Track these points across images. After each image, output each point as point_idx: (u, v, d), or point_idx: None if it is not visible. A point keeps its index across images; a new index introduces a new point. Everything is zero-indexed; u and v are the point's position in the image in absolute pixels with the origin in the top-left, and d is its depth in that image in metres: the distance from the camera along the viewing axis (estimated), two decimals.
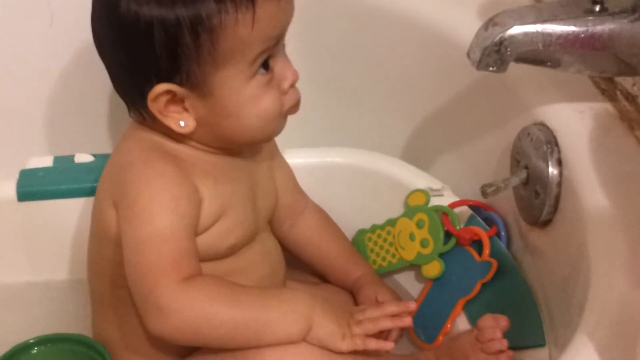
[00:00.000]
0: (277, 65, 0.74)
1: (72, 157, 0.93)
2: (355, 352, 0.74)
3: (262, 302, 0.73)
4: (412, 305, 0.78)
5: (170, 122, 0.73)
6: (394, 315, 0.76)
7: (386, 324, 0.76)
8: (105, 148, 0.94)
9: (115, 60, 0.74)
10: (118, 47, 0.72)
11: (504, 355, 0.77)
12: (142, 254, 0.71)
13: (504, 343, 0.77)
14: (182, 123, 0.73)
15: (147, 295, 0.70)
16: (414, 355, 0.84)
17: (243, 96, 0.73)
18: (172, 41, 0.69)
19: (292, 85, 0.76)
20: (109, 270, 0.78)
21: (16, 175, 0.92)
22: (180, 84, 0.71)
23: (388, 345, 0.74)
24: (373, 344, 0.73)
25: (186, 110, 0.73)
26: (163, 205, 0.72)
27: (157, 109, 0.72)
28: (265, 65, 0.73)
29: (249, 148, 0.81)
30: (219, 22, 0.69)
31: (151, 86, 0.71)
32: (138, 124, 0.78)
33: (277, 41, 0.73)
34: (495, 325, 0.77)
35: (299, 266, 0.93)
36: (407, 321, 0.77)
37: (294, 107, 0.77)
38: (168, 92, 0.72)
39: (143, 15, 0.69)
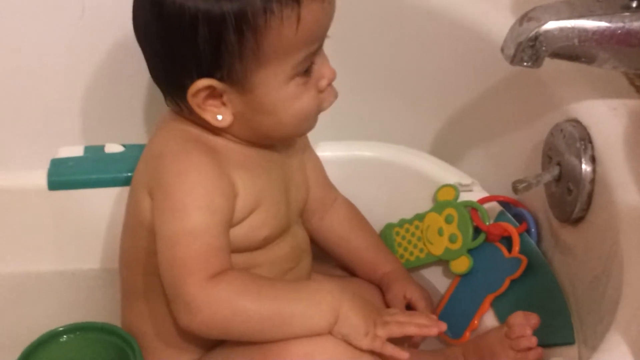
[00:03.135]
0: (315, 63, 0.74)
1: (103, 147, 0.94)
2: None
3: (288, 295, 0.73)
4: (443, 326, 0.77)
5: (207, 116, 0.73)
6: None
7: (412, 330, 0.75)
8: (136, 139, 0.94)
9: (155, 52, 0.74)
10: (160, 39, 0.72)
11: (533, 353, 0.77)
12: (173, 249, 0.71)
13: (534, 340, 0.77)
14: (219, 117, 0.74)
15: (177, 290, 0.71)
16: (440, 351, 0.84)
17: (282, 95, 0.73)
18: (216, 37, 0.69)
19: (330, 84, 0.76)
20: (142, 258, 0.78)
21: (47, 165, 0.92)
22: (220, 79, 0.71)
23: (403, 355, 0.73)
24: (389, 350, 0.73)
25: (224, 104, 0.73)
26: (197, 201, 0.72)
27: (196, 103, 0.73)
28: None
29: (282, 142, 0.81)
30: (264, 21, 0.69)
31: (191, 80, 0.71)
32: (174, 115, 0.78)
33: (320, 44, 0.73)
34: (525, 322, 0.77)
35: (327, 259, 0.93)
36: (434, 331, 0.76)
37: (329, 105, 0.78)
38: (208, 87, 0.72)
39: (188, 9, 0.69)
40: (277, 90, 0.72)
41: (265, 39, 0.69)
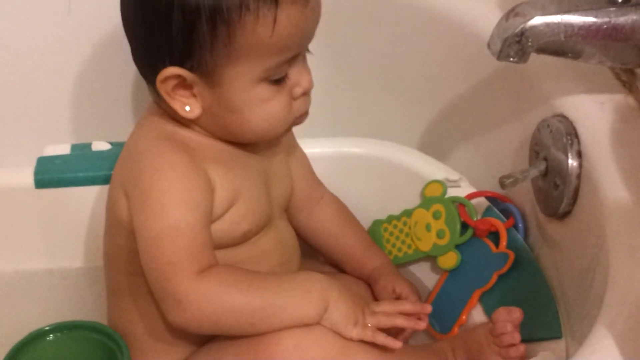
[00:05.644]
0: (293, 70, 0.73)
1: (90, 145, 0.94)
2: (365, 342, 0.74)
3: (277, 286, 0.73)
4: (428, 308, 0.78)
5: (176, 105, 0.73)
6: (409, 314, 0.77)
7: (401, 322, 0.76)
8: (123, 136, 0.93)
9: (134, 35, 0.74)
10: (138, 23, 0.72)
11: (514, 350, 0.76)
12: (157, 247, 0.71)
13: (516, 337, 0.76)
14: (187, 108, 0.73)
15: (165, 289, 0.71)
16: (428, 346, 0.84)
17: (251, 95, 0.72)
18: (189, 26, 0.69)
19: (305, 93, 0.75)
20: (124, 258, 0.78)
21: (34, 163, 0.92)
22: (191, 69, 0.71)
23: (396, 344, 0.74)
24: (381, 339, 0.73)
25: (194, 96, 0.73)
26: (175, 198, 0.72)
27: (165, 90, 0.73)
28: None
29: (250, 143, 0.79)
30: (239, 17, 0.68)
31: (163, 66, 0.71)
32: (153, 111, 0.78)
33: (297, 53, 0.72)
34: (508, 318, 0.77)
35: (315, 256, 0.93)
36: (422, 325, 0.77)
37: (302, 117, 0.77)
38: (178, 76, 0.72)
39: None
40: (246, 90, 0.72)
41: (238, 35, 0.69)
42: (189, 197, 0.72)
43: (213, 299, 0.70)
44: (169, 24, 0.69)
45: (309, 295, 0.73)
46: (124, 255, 0.78)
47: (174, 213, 0.71)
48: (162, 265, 0.71)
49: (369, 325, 0.74)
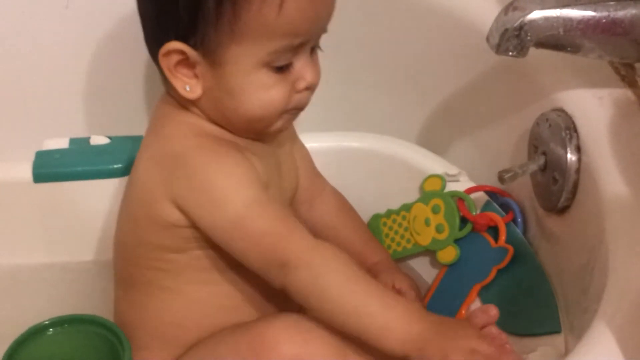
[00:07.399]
0: (299, 62, 0.73)
1: (88, 139, 0.94)
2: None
3: (380, 299, 0.70)
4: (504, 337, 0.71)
5: (176, 83, 0.73)
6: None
7: None
8: (121, 130, 0.94)
9: (144, 12, 0.74)
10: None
11: (502, 336, 0.71)
12: (246, 226, 0.71)
13: (494, 330, 0.71)
14: (187, 87, 0.73)
15: (268, 259, 0.70)
16: None
17: (251, 80, 0.72)
18: (195, 2, 0.69)
19: (309, 88, 0.74)
20: (145, 253, 0.77)
21: (32, 157, 0.92)
22: (194, 46, 0.71)
23: None
24: None
25: (196, 77, 0.73)
26: (241, 179, 0.72)
27: (167, 65, 0.72)
28: None
29: (244, 134, 0.78)
30: None
31: (167, 40, 0.71)
32: (171, 106, 0.77)
33: (303, 42, 0.72)
34: (486, 318, 0.72)
35: None
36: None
37: (297, 110, 0.76)
38: (181, 52, 0.71)
39: None
40: (247, 72, 0.71)
41: (243, 13, 0.68)
42: (252, 177, 0.73)
43: (318, 270, 0.70)
44: None
45: (408, 327, 0.68)
46: (148, 251, 0.77)
47: (246, 192, 0.72)
48: (260, 238, 0.70)
49: None
